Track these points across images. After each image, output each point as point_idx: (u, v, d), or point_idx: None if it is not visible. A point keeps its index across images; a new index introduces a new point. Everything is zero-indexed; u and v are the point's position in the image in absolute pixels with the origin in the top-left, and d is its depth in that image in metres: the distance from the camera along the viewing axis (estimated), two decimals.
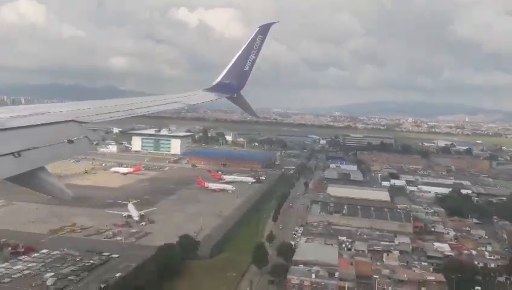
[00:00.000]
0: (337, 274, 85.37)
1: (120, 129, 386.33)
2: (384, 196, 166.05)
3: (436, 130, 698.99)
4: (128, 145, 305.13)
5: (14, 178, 8.48)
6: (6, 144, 8.96)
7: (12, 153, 8.53)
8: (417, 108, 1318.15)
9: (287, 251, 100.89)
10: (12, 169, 8.36)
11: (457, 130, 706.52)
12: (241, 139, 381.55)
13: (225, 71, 23.72)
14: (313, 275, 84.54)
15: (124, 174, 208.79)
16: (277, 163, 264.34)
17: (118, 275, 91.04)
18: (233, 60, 23.62)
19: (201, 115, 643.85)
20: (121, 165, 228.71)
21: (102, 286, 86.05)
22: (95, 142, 12.05)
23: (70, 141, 10.64)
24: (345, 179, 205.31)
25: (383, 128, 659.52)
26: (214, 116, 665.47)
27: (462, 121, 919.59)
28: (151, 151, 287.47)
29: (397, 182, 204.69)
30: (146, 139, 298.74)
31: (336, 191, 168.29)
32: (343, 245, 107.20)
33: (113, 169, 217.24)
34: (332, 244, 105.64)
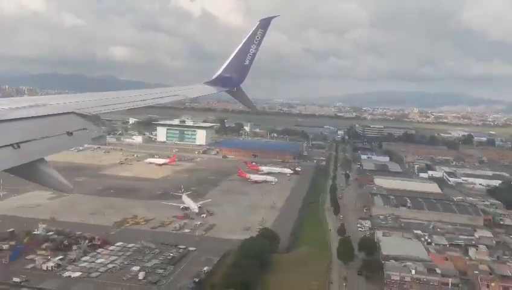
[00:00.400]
0: (438, 270, 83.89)
1: (136, 119, 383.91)
2: (434, 187, 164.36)
3: (444, 120, 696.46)
4: (152, 136, 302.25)
5: (14, 170, 8.36)
6: (6, 135, 8.89)
7: (12, 145, 8.47)
8: (418, 98, 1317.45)
9: (369, 245, 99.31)
10: (11, 160, 8.26)
11: (465, 120, 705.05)
12: (258, 130, 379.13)
13: (225, 65, 23.51)
14: (413, 271, 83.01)
15: (160, 165, 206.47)
16: (305, 154, 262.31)
17: (205, 269, 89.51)
18: (234, 53, 23.39)
19: (208, 106, 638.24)
20: (152, 156, 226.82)
21: (196, 280, 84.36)
22: (95, 135, 11.63)
23: (70, 133, 10.55)
24: (383, 171, 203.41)
25: (391, 118, 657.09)
26: (221, 107, 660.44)
27: (465, 112, 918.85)
28: (176, 142, 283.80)
29: (435, 174, 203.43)
30: (171, 129, 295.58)
31: (383, 183, 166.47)
32: (422, 239, 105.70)
33: (148, 160, 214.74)
34: (411, 238, 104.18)
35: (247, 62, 23.40)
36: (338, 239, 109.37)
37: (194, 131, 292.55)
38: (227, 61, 23.58)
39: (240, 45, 23.32)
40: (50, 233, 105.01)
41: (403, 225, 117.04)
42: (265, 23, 23.20)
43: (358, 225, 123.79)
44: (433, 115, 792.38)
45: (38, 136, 9.67)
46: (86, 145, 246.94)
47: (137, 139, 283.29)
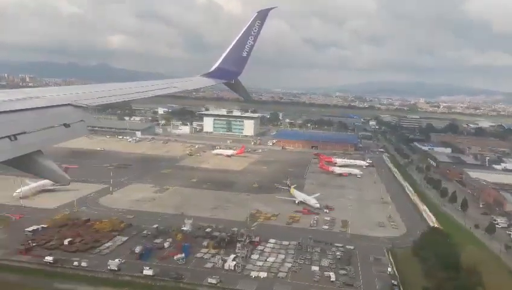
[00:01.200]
0: None
1: (165, 109, 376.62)
2: None
3: (456, 110, 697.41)
4: (197, 127, 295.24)
5: (11, 161, 8.15)
6: (2, 127, 8.78)
7: (9, 137, 8.34)
8: (417, 89, 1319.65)
9: None
10: (8, 152, 8.09)
11: (476, 110, 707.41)
12: (287, 120, 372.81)
13: (223, 57, 23.34)
14: None
15: (228, 156, 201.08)
16: (360, 145, 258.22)
17: (389, 270, 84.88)
18: (231, 45, 23.27)
19: (220, 95, 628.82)
20: (213, 147, 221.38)
21: (395, 282, 79.87)
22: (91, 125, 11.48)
23: (67, 125, 10.44)
24: (459, 163, 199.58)
25: (405, 108, 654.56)
26: (233, 96, 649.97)
27: (465, 102, 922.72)
28: (224, 133, 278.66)
29: (508, 166, 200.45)
30: (218, 120, 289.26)
31: (481, 176, 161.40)
32: None
33: (215, 151, 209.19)
34: None
35: (244, 54, 23.28)
36: (488, 237, 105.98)
37: (242, 121, 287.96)
38: (225, 53, 23.35)
39: (238, 37, 23.10)
40: (207, 229, 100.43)
41: None
42: (262, 15, 23.01)
43: (493, 221, 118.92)
44: (443, 105, 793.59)
45: (36, 128, 9.49)
46: (139, 136, 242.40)
47: (185, 129, 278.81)
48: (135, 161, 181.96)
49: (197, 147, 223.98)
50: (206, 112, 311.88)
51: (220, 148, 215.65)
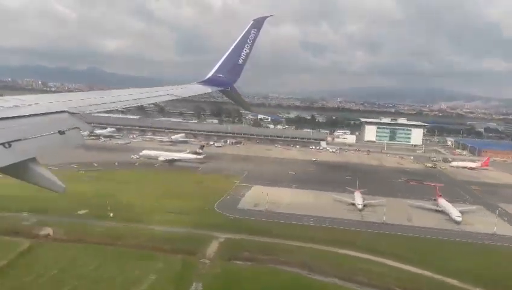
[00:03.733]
0: None
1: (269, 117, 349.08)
2: None
3: (473, 114, 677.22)
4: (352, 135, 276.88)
5: (5, 169, 8.24)
6: None
7: (3, 144, 8.47)
8: (415, 94, 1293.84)
9: None
10: (2, 160, 8.18)
11: (493, 115, 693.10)
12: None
13: (218, 64, 23.35)
14: None
15: (471, 168, 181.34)
16: None
17: None
18: (227, 53, 23.35)
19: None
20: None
21: None
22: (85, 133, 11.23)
23: (62, 132, 10.39)
24: None
25: (439, 113, 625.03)
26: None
27: (463, 107, 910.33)
28: (387, 142, 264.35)
29: None
30: (381, 128, 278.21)
31: None
32: None
33: (455, 163, 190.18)
34: None
35: (240, 62, 23.32)
36: None
37: (409, 130, 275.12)
38: (221, 61, 23.35)
39: (233, 45, 23.19)
40: None
41: None
42: (258, 23, 23.29)
43: None
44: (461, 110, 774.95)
45: (30, 135, 9.47)
46: (324, 145, 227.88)
47: (350, 138, 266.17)
48: (386, 172, 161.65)
49: (412, 158, 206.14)
50: (369, 120, 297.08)
51: (455, 161, 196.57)
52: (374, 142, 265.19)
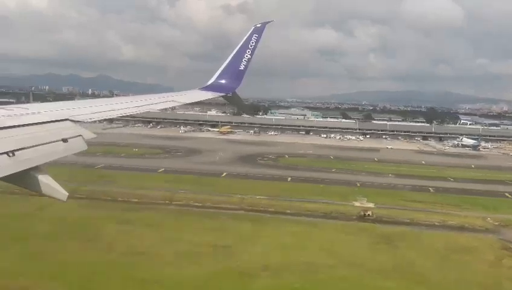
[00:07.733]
0: None
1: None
2: None
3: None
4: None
5: (9, 178, 8.18)
6: (1, 143, 8.77)
7: (7, 153, 8.34)
8: (436, 97, 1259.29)
9: None
10: (6, 169, 8.11)
11: None
12: None
13: (220, 70, 23.27)
14: None
15: None
16: None
17: None
18: (228, 59, 23.31)
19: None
20: None
21: None
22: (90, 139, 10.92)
23: (65, 140, 10.13)
24: None
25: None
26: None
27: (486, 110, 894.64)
28: None
29: None
30: None
31: None
32: None
33: None
34: None
35: (242, 67, 23.28)
36: None
37: None
38: (222, 67, 23.46)
39: (235, 51, 23.52)
40: None
41: None
42: (259, 29, 23.56)
43: None
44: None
45: (34, 143, 9.37)
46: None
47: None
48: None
49: None
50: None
51: None
52: None
